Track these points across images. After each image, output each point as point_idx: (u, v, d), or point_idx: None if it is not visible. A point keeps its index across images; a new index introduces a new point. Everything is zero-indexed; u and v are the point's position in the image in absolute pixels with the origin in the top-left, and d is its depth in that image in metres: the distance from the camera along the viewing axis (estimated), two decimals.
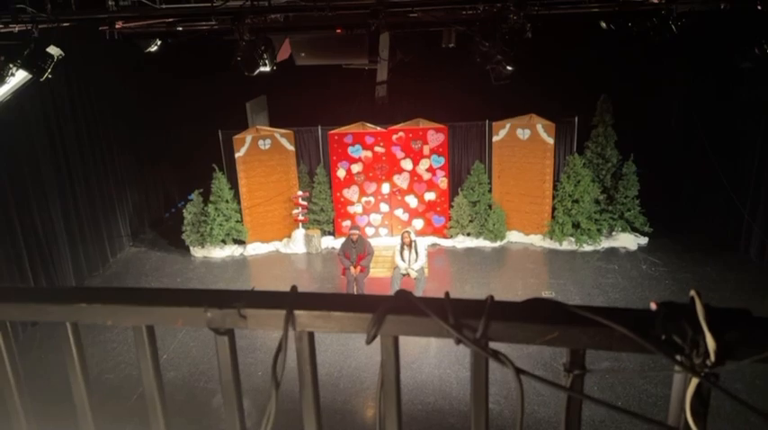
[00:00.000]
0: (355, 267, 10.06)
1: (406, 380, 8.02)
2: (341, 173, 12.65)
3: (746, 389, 7.29)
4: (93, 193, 11.60)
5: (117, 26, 6.92)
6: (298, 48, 7.60)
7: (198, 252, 12.40)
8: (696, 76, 11.76)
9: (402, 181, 12.64)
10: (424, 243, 10.87)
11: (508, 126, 12.37)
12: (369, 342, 0.84)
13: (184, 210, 12.46)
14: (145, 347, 0.94)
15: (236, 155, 12.27)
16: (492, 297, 0.83)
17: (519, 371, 0.80)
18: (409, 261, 9.83)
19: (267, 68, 7.10)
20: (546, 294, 9.25)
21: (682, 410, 0.77)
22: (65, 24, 6.99)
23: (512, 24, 6.58)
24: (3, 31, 6.79)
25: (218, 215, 12.14)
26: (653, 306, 0.76)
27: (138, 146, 13.27)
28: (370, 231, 12.75)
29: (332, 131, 12.56)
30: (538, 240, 12.35)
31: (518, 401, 0.82)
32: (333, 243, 12.56)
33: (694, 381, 0.75)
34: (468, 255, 12.09)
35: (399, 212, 12.82)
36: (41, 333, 9.08)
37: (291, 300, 0.86)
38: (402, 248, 9.88)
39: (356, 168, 12.60)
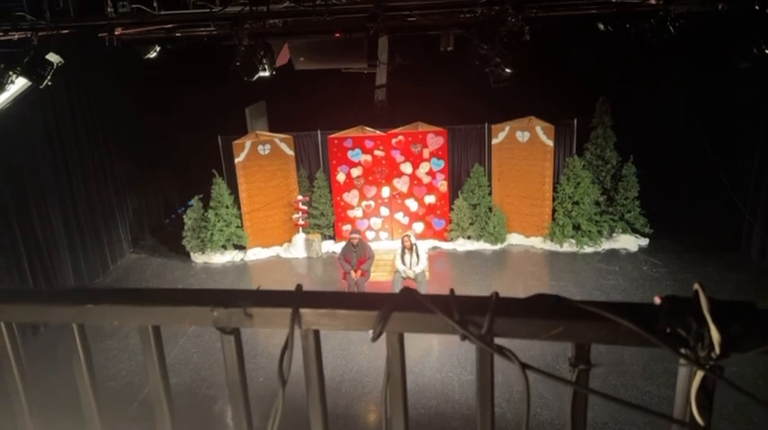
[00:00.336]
0: (356, 271, 10.06)
1: (408, 384, 7.96)
2: (341, 177, 12.67)
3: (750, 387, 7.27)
4: (93, 200, 11.61)
5: (116, 32, 6.94)
6: (297, 52, 7.61)
7: (198, 258, 12.40)
8: (695, 77, 11.78)
9: (402, 184, 12.65)
10: (424, 246, 10.87)
11: (507, 129, 12.39)
12: (374, 339, 0.84)
13: (184, 216, 12.47)
14: (151, 348, 0.95)
15: (236, 160, 12.29)
16: (497, 293, 0.84)
17: (524, 367, 0.80)
18: (410, 264, 9.83)
19: (266, 73, 7.11)
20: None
21: (687, 403, 0.77)
22: (64, 31, 7.00)
23: (510, 27, 6.59)
24: (2, 38, 6.81)
25: (219, 220, 12.14)
26: (657, 300, 0.76)
27: (137, 152, 13.29)
28: (370, 235, 12.76)
29: (331, 136, 12.58)
30: (538, 242, 12.36)
31: (524, 396, 0.82)
32: (333, 247, 12.56)
33: (699, 374, 0.75)
34: (469, 257, 12.09)
35: (399, 216, 12.83)
36: (43, 341, 9.07)
37: (297, 299, 0.87)
38: (403, 252, 9.88)
39: (356, 172, 12.62)
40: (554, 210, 12.20)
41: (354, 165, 12.58)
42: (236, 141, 12.33)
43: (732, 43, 7.05)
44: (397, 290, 9.88)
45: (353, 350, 8.92)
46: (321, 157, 13.18)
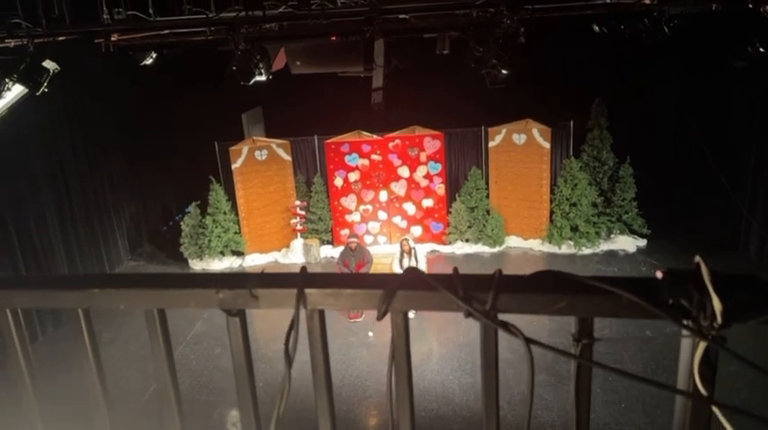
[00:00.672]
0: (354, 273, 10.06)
1: None
2: (338, 181, 12.68)
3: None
4: (90, 208, 11.60)
5: (113, 39, 6.95)
6: (293, 56, 7.63)
7: (196, 264, 12.38)
8: (690, 77, 11.84)
9: (399, 188, 12.67)
10: (423, 250, 10.88)
11: (504, 131, 12.42)
12: (380, 318, 0.85)
13: (182, 223, 12.45)
14: (157, 331, 0.95)
15: (233, 166, 12.29)
16: (500, 270, 0.84)
17: (529, 341, 0.81)
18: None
19: (263, 77, 7.13)
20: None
21: (690, 375, 0.78)
22: (60, 39, 7.01)
23: (505, 29, 6.62)
24: None
25: (216, 227, 12.13)
26: (659, 274, 0.77)
27: (134, 159, 13.28)
28: (368, 239, 12.76)
29: (328, 140, 12.60)
30: (537, 244, 12.37)
31: (528, 371, 0.83)
32: (331, 252, 12.56)
33: (702, 345, 0.76)
34: (468, 261, 12.09)
35: (398, 220, 12.84)
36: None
37: (302, 280, 0.87)
38: (401, 256, 9.88)
39: (353, 177, 12.63)
40: (552, 212, 12.22)
41: (352, 169, 12.60)
42: (233, 147, 12.34)
43: (726, 43, 7.09)
44: None
45: (353, 354, 8.90)
46: (318, 162, 13.19)
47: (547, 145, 12.08)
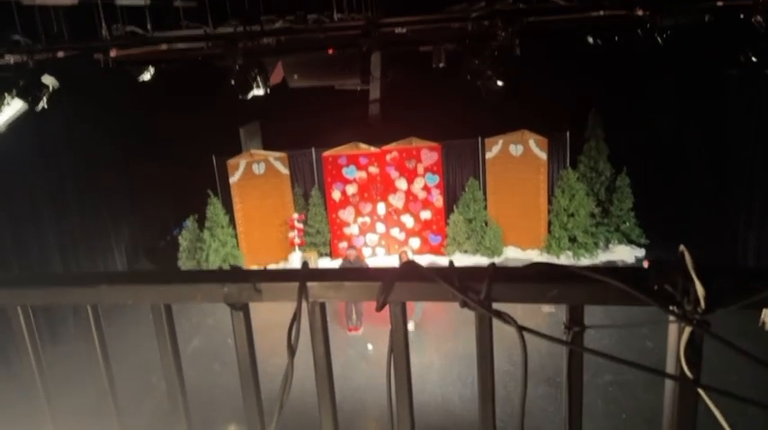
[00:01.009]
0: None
1: None
2: (336, 194, 12.72)
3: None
4: (88, 223, 11.60)
5: (111, 54, 7.01)
6: (290, 70, 7.71)
7: None
8: (684, 86, 11.93)
9: (397, 200, 12.71)
10: (421, 262, 10.88)
11: (501, 142, 12.49)
12: (379, 309, 0.88)
13: (180, 237, 12.46)
14: (163, 326, 0.98)
15: (231, 179, 12.33)
16: (494, 263, 0.88)
17: (522, 329, 0.84)
18: None
19: (261, 91, 7.19)
20: (546, 310, 9.26)
21: (677, 360, 0.81)
22: (60, 55, 7.07)
23: (500, 41, 6.70)
24: None
25: (214, 241, 12.14)
26: (645, 264, 0.80)
27: (132, 174, 13.31)
28: (367, 252, 12.77)
29: (326, 153, 12.66)
30: (535, 255, 12.39)
31: (521, 358, 0.86)
32: (330, 265, 12.56)
33: (687, 330, 0.79)
34: None
35: (396, 232, 12.86)
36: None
37: (304, 274, 0.91)
38: None
39: (351, 189, 12.67)
40: (550, 223, 12.26)
41: (349, 182, 12.64)
42: (230, 161, 12.39)
43: (719, 52, 7.18)
44: None
45: (352, 367, 8.89)
46: (316, 175, 13.23)
47: (544, 156, 12.15)
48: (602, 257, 12.03)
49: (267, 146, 14.64)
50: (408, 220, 12.79)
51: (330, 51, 7.07)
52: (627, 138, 12.95)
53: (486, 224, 12.59)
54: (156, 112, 13.24)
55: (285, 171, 12.78)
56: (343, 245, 12.64)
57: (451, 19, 7.02)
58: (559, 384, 7.98)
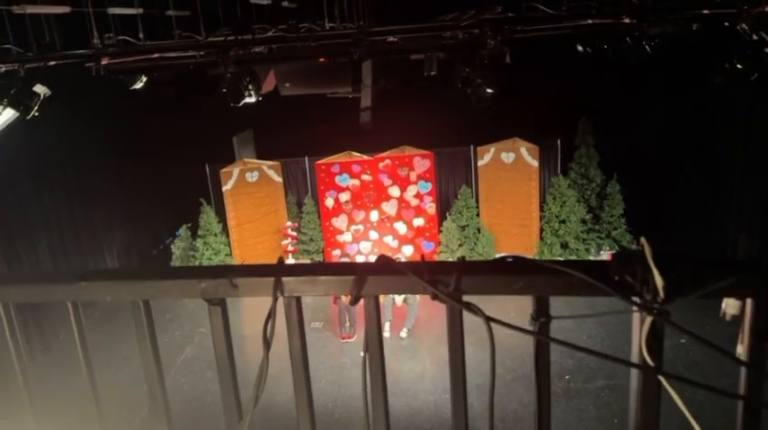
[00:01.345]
0: (346, 296, 10.03)
1: (402, 408, 7.97)
2: (329, 202, 12.74)
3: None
4: (81, 232, 11.57)
5: (103, 63, 7.03)
6: (282, 78, 7.74)
7: None
8: (673, 93, 12.04)
9: (390, 208, 12.74)
10: None
11: (493, 150, 12.57)
12: (353, 302, 0.90)
13: (173, 246, 12.44)
14: (142, 322, 1.00)
15: (224, 188, 12.34)
16: (464, 257, 0.90)
17: (489, 320, 0.86)
18: None
19: (252, 99, 7.22)
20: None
21: (640, 349, 0.83)
22: (51, 63, 7.08)
23: (491, 49, 6.75)
24: None
25: (207, 249, 12.13)
26: (607, 256, 0.83)
27: (125, 183, 13.28)
28: (360, 259, 12.77)
29: (319, 161, 12.70)
30: None
31: (489, 349, 0.88)
32: None
33: (648, 320, 0.81)
34: None
35: (389, 239, 12.88)
36: None
37: (279, 269, 0.93)
38: None
39: (344, 197, 12.70)
40: (541, 230, 12.33)
41: (342, 189, 12.67)
42: (223, 169, 12.41)
43: (706, 59, 7.26)
44: (388, 314, 9.88)
45: (346, 375, 8.87)
46: (309, 183, 13.27)
47: (535, 163, 12.23)
48: None
49: (260, 154, 14.66)
50: (401, 228, 12.81)
51: (322, 60, 7.12)
52: (617, 145, 13.06)
53: (479, 231, 12.64)
54: (148, 121, 13.24)
55: (278, 179, 12.81)
56: (337, 252, 12.65)
57: (442, 27, 7.08)
58: (553, 390, 8.02)
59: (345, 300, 9.99)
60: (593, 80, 11.94)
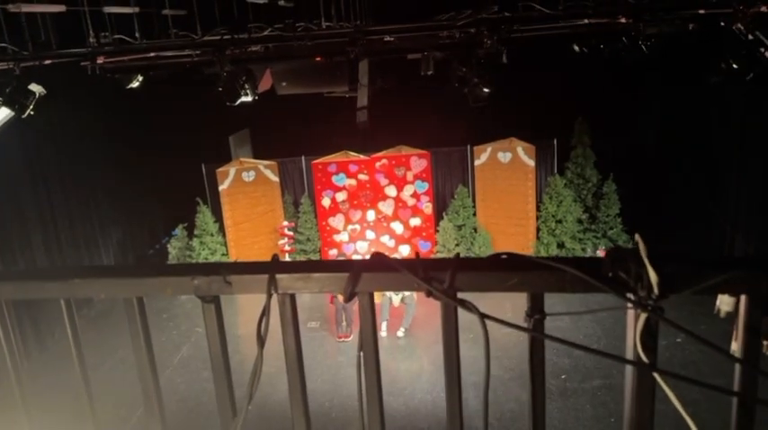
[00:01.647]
0: (340, 292, 10.02)
1: (399, 407, 7.97)
2: (326, 202, 12.72)
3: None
4: (77, 231, 11.55)
5: (99, 62, 7.01)
6: (279, 77, 7.73)
7: None
8: (669, 93, 12.07)
9: (387, 207, 12.73)
10: None
11: (489, 150, 12.58)
12: (347, 299, 0.90)
13: (169, 246, 12.41)
14: (136, 319, 0.99)
15: (221, 187, 12.32)
16: (458, 254, 0.90)
17: (483, 317, 0.86)
18: None
19: (249, 98, 7.21)
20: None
21: (635, 346, 0.83)
22: (47, 62, 7.06)
23: (487, 49, 6.76)
24: None
25: (204, 249, 12.11)
26: (601, 254, 0.83)
27: (120, 182, 13.26)
28: (356, 259, 12.76)
29: (315, 161, 12.68)
30: None
31: (484, 345, 0.88)
32: None
33: (643, 316, 0.81)
34: None
35: (386, 239, 12.87)
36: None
37: (274, 266, 0.92)
38: None
39: (341, 197, 12.68)
40: (538, 229, 12.34)
41: (339, 189, 12.66)
42: (220, 169, 12.38)
43: (702, 59, 7.27)
44: (385, 314, 9.88)
45: (342, 374, 8.87)
46: (306, 183, 13.26)
47: (531, 163, 12.24)
48: None
49: (257, 154, 14.65)
50: (398, 227, 12.80)
51: (318, 59, 7.11)
52: (613, 144, 13.09)
53: (476, 230, 12.65)
54: (144, 120, 13.23)
55: (275, 179, 12.79)
56: (333, 252, 12.64)
57: (439, 27, 7.08)
58: (548, 388, 8.02)
59: (342, 299, 9.97)
60: (589, 80, 11.97)
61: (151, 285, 0.96)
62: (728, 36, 6.19)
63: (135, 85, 9.00)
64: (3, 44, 6.63)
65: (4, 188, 9.58)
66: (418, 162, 12.54)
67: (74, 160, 11.55)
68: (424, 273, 0.86)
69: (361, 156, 12.59)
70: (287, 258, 12.61)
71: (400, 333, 9.82)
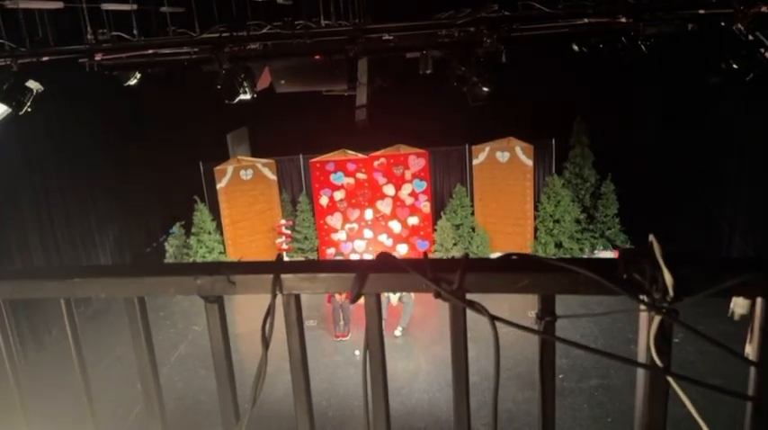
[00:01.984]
0: (341, 294, 10.00)
1: (396, 406, 7.96)
2: (324, 200, 12.71)
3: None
4: (74, 231, 11.50)
5: (97, 59, 6.97)
6: (277, 75, 7.71)
7: None
8: (669, 94, 12.06)
9: (385, 206, 12.72)
10: None
11: (488, 149, 12.57)
12: (353, 300, 0.88)
13: (166, 244, 12.38)
14: (137, 319, 0.97)
15: (218, 185, 12.29)
16: (467, 254, 0.88)
17: (493, 319, 0.84)
18: None
19: (247, 96, 7.18)
20: (531, 314, 9.29)
21: (648, 348, 0.82)
22: (44, 59, 7.02)
23: (486, 48, 6.74)
24: None
25: (201, 247, 12.08)
26: (614, 255, 0.81)
27: (118, 180, 13.21)
28: (354, 258, 12.75)
29: (313, 160, 12.66)
30: None
31: (494, 347, 0.86)
32: None
33: (657, 319, 0.80)
34: None
35: (383, 238, 12.86)
36: None
37: (278, 266, 0.91)
38: None
39: (339, 195, 12.67)
40: (536, 229, 12.34)
41: (337, 188, 12.64)
42: (217, 167, 12.35)
43: (703, 59, 7.26)
44: (383, 313, 9.86)
45: (340, 373, 8.85)
46: (304, 181, 13.24)
47: (530, 162, 12.24)
48: None
49: (255, 152, 14.62)
50: (396, 226, 12.80)
51: (317, 57, 7.09)
52: (611, 144, 13.08)
53: (474, 230, 12.64)
54: (142, 118, 13.18)
55: (273, 177, 12.77)
56: (331, 251, 12.62)
57: (438, 26, 7.06)
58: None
59: (340, 298, 9.96)
60: (588, 80, 11.96)
61: (153, 284, 0.94)
62: (729, 36, 6.18)
63: (133, 82, 8.96)
64: (0, 41, 6.59)
65: (1, 186, 9.54)
66: (416, 161, 12.53)
67: (71, 158, 11.49)
68: (433, 274, 0.84)
69: (360, 155, 12.57)
70: (284, 257, 12.59)
71: (398, 332, 9.81)
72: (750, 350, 0.83)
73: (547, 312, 0.88)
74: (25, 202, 10.11)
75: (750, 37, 5.91)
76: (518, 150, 12.27)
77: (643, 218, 12.87)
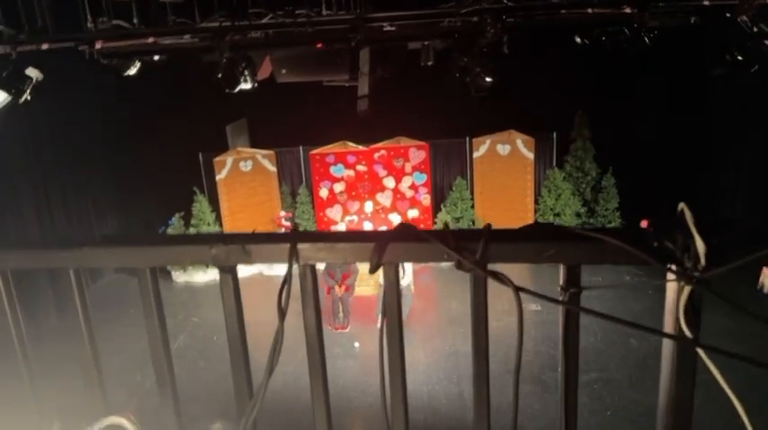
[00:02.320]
0: (340, 286, 10.01)
1: None
2: (323, 192, 12.68)
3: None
4: (73, 221, 11.47)
5: (96, 47, 6.92)
6: (278, 64, 7.66)
7: (180, 277, 12.25)
8: (672, 86, 12.04)
9: (385, 199, 12.70)
10: None
11: (488, 142, 12.54)
12: (372, 271, 0.86)
13: (165, 235, 12.35)
14: (149, 292, 0.95)
15: (218, 177, 12.26)
16: (490, 225, 0.86)
17: (518, 289, 0.82)
18: None
19: (248, 86, 7.14)
20: (533, 308, 9.29)
21: (676, 319, 0.80)
22: (44, 46, 6.97)
23: (489, 38, 6.70)
24: None
25: None
26: (644, 224, 0.79)
27: (117, 171, 13.17)
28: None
29: (313, 151, 12.63)
30: None
31: (517, 318, 0.84)
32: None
33: (687, 289, 0.78)
34: (454, 271, 11.81)
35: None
36: None
37: (295, 236, 0.88)
38: None
39: (339, 188, 12.65)
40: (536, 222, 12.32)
41: (337, 180, 12.62)
42: (217, 158, 12.32)
43: (706, 51, 7.23)
44: (380, 305, 9.86)
45: (339, 365, 8.85)
46: (303, 173, 13.20)
47: (530, 155, 12.21)
48: None
49: (254, 143, 14.56)
50: (396, 219, 12.78)
51: (319, 46, 7.04)
52: (613, 138, 13.05)
53: (474, 223, 12.61)
54: (141, 108, 13.11)
55: (272, 169, 12.73)
56: None
57: (441, 15, 7.01)
58: (545, 382, 8.02)
59: (339, 290, 9.96)
60: (590, 73, 11.92)
61: (168, 254, 0.91)
62: (733, 28, 6.15)
63: (133, 71, 8.91)
64: None
65: (1, 177, 9.50)
66: (417, 153, 12.50)
67: (69, 147, 11.45)
68: (455, 243, 0.82)
69: (360, 147, 12.54)
70: None
71: None
72: None
73: (572, 283, 0.86)
74: (24, 194, 10.07)
75: (755, 28, 5.88)
76: (519, 143, 12.25)
77: (644, 212, 12.85)
